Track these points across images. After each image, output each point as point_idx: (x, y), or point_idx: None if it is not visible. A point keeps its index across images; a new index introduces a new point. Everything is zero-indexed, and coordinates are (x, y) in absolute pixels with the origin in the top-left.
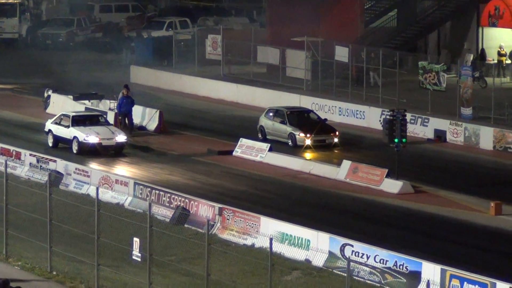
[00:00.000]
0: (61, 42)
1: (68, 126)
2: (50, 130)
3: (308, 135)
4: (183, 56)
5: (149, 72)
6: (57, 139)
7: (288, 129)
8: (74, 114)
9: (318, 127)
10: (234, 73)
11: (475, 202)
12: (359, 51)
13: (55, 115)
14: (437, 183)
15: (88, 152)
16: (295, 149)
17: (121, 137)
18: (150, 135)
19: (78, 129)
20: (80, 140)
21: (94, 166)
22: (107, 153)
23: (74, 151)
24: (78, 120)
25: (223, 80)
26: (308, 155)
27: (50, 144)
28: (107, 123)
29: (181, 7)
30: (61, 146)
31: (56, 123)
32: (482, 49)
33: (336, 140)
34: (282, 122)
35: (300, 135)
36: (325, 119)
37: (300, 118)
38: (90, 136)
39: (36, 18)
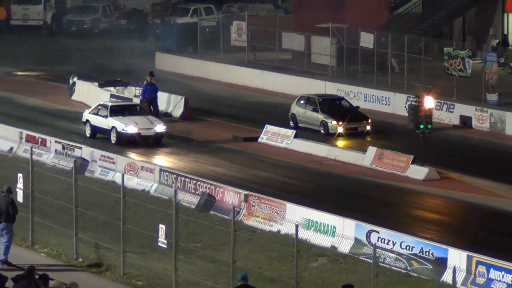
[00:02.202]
0: (86, 29)
1: (106, 116)
2: (88, 121)
3: (340, 123)
4: (208, 43)
5: (174, 58)
6: (95, 130)
7: (320, 117)
8: (112, 104)
9: (350, 114)
10: (259, 59)
11: (501, 188)
12: (383, 38)
13: (80, 102)
14: (462, 169)
15: (126, 143)
16: (327, 137)
17: (160, 127)
18: (175, 121)
19: (117, 119)
20: (118, 130)
21: (133, 156)
22: (146, 143)
23: (113, 142)
24: (116, 110)
25: (248, 67)
26: (341, 143)
27: (88, 135)
28: (145, 112)
29: None
30: (99, 137)
31: (94, 113)
32: (505, 35)
33: (368, 127)
34: (314, 110)
35: (332, 123)
36: (357, 107)
37: (332, 106)
38: (129, 126)
39: (60, 5)
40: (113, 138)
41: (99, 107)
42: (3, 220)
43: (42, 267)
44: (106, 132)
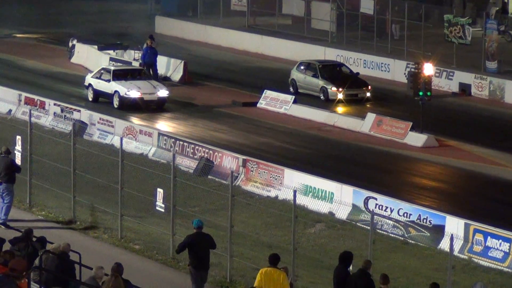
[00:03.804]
0: None
1: (109, 80)
2: (90, 85)
3: (340, 89)
4: (208, 7)
5: (174, 22)
6: (98, 94)
7: (320, 82)
8: (115, 68)
9: (350, 81)
10: (259, 24)
11: (500, 156)
12: (380, 4)
13: (79, 65)
14: (461, 137)
15: (129, 107)
16: (327, 103)
17: (163, 92)
18: (174, 85)
19: (119, 83)
20: (121, 94)
21: (136, 121)
22: (149, 108)
23: (115, 106)
24: (119, 74)
25: (248, 31)
26: (340, 109)
27: (90, 99)
28: (148, 77)
29: None
30: (102, 101)
31: (96, 77)
32: (504, 3)
33: (368, 94)
34: (314, 76)
35: (332, 89)
36: (357, 73)
37: (332, 72)
38: (132, 90)
39: None
40: (116, 102)
41: (101, 71)
42: (4, 181)
43: (39, 228)
44: (108, 96)
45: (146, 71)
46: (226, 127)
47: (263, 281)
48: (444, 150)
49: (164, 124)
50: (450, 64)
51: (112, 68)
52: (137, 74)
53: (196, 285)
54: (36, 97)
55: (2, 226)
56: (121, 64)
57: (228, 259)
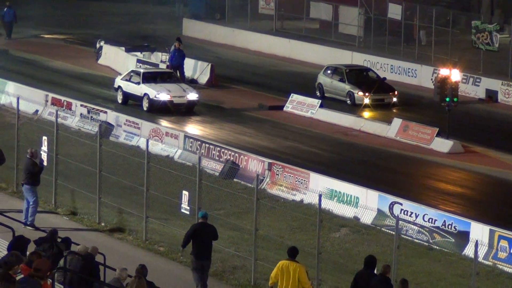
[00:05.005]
0: None
1: (138, 83)
2: (119, 87)
3: (366, 94)
4: (236, 10)
5: (202, 25)
6: (127, 96)
7: (346, 87)
8: (144, 70)
9: (377, 85)
10: (287, 28)
11: None
12: (411, 9)
13: (106, 66)
14: (487, 143)
15: (158, 110)
16: (354, 108)
17: (192, 95)
18: (201, 88)
19: (149, 86)
20: (151, 97)
21: (164, 123)
22: (178, 111)
23: (145, 109)
24: (149, 77)
25: (275, 35)
26: (366, 114)
27: (120, 101)
28: (178, 80)
29: None
30: (131, 103)
31: (126, 80)
32: None
33: (394, 99)
34: (341, 80)
35: (358, 93)
36: (384, 78)
37: (359, 77)
38: (161, 93)
39: None
40: (145, 105)
41: (131, 73)
42: (25, 183)
43: (64, 230)
44: (138, 99)
45: (175, 74)
46: (252, 130)
47: (279, 273)
48: (470, 156)
49: (191, 127)
50: (477, 70)
51: (142, 70)
52: (166, 76)
53: (197, 273)
54: (63, 98)
55: (30, 227)
56: (151, 67)
57: (253, 262)
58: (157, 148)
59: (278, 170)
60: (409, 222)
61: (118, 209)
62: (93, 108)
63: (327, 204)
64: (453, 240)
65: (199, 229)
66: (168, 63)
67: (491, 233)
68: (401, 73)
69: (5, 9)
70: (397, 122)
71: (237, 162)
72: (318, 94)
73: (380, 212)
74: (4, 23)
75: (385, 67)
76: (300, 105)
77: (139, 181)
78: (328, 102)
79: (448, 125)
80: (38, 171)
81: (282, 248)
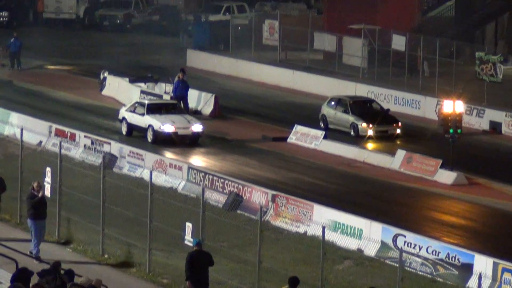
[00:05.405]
0: (118, 24)
1: (143, 114)
2: (124, 118)
3: (370, 125)
4: (240, 41)
5: (206, 56)
6: (132, 127)
7: (350, 118)
8: (149, 102)
9: (381, 117)
10: (291, 59)
11: None
12: (415, 40)
13: (110, 97)
14: (491, 175)
15: (163, 141)
16: (357, 139)
17: (197, 127)
18: (205, 119)
19: (154, 117)
20: (155, 128)
21: (169, 155)
22: (183, 142)
23: (149, 140)
24: (153, 108)
25: (279, 66)
26: (370, 145)
27: (124, 133)
28: (182, 111)
29: None
30: (136, 135)
31: (130, 111)
32: None
33: (398, 131)
34: (345, 112)
35: (362, 125)
36: (388, 109)
37: (363, 108)
38: (166, 124)
39: None
40: (150, 136)
41: (136, 105)
42: (27, 216)
43: (68, 263)
44: (142, 131)
45: (180, 105)
46: (255, 162)
47: None
48: (474, 188)
49: (195, 158)
50: (481, 101)
51: (146, 102)
52: (171, 108)
53: None
54: (66, 129)
55: (35, 260)
56: (155, 98)
57: None
58: (161, 179)
59: (281, 202)
60: (412, 254)
61: (121, 241)
62: (97, 139)
63: (330, 236)
64: (457, 273)
65: (195, 256)
66: (172, 94)
67: (495, 265)
68: (405, 104)
69: (11, 39)
70: (400, 153)
71: (240, 194)
72: (322, 125)
73: (383, 244)
74: (10, 53)
75: (389, 98)
76: (304, 137)
77: (143, 212)
78: (332, 134)
79: (452, 157)
80: (36, 204)
81: (285, 280)
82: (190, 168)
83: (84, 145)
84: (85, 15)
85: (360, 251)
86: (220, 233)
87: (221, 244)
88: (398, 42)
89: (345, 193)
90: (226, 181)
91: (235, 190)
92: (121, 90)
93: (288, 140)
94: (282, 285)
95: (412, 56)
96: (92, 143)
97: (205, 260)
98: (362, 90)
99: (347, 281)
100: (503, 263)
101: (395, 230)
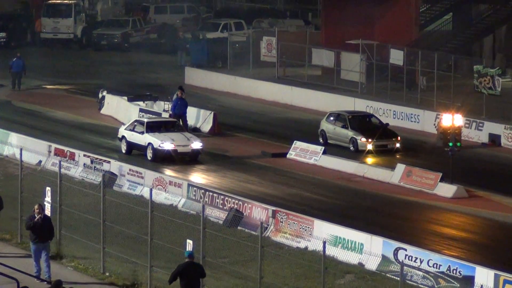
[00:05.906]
0: (116, 43)
1: (142, 133)
2: (123, 137)
3: (369, 140)
4: (238, 58)
5: (204, 73)
6: (131, 146)
7: (349, 133)
8: (148, 120)
9: (380, 131)
10: (289, 75)
11: None
12: (413, 55)
13: (109, 116)
14: (491, 187)
15: (163, 159)
16: (357, 154)
17: (196, 144)
18: (204, 136)
19: (153, 135)
20: (155, 146)
21: (169, 172)
22: (183, 160)
23: (149, 158)
24: (153, 126)
25: (277, 82)
26: (370, 160)
27: (124, 151)
28: (181, 129)
29: (236, 9)
30: (135, 153)
31: (130, 130)
32: None
33: (398, 145)
34: (344, 127)
35: (361, 140)
36: (387, 124)
37: (362, 123)
38: (165, 142)
39: (91, 18)
40: (149, 154)
41: (135, 123)
42: (30, 239)
43: (69, 282)
44: (142, 149)
45: (179, 123)
46: (255, 178)
47: None
48: (474, 201)
49: (195, 175)
50: (480, 114)
51: (146, 120)
52: (170, 126)
53: None
54: (66, 148)
55: (36, 279)
56: (154, 116)
57: None
58: (161, 197)
59: (282, 218)
60: (414, 267)
61: (122, 259)
62: (96, 158)
63: (331, 251)
64: (458, 285)
65: (186, 268)
66: (170, 112)
67: (496, 277)
68: (404, 118)
69: (14, 59)
70: (400, 167)
71: (241, 210)
72: (321, 140)
73: (384, 258)
74: (12, 73)
75: (388, 112)
76: (303, 152)
77: (143, 230)
78: (331, 149)
79: (452, 170)
80: (31, 227)
81: None
82: (190, 185)
83: (84, 164)
84: (82, 35)
85: (361, 265)
86: (221, 249)
87: (222, 260)
88: (396, 57)
89: (345, 207)
90: (226, 198)
91: (235, 206)
92: (120, 109)
93: (288, 156)
94: None
95: (410, 70)
96: (92, 162)
97: (196, 271)
98: (360, 105)
99: None
100: (505, 275)
101: (396, 244)
